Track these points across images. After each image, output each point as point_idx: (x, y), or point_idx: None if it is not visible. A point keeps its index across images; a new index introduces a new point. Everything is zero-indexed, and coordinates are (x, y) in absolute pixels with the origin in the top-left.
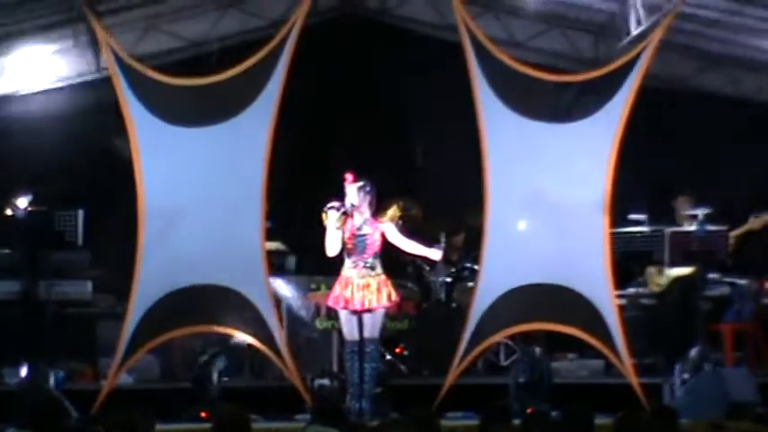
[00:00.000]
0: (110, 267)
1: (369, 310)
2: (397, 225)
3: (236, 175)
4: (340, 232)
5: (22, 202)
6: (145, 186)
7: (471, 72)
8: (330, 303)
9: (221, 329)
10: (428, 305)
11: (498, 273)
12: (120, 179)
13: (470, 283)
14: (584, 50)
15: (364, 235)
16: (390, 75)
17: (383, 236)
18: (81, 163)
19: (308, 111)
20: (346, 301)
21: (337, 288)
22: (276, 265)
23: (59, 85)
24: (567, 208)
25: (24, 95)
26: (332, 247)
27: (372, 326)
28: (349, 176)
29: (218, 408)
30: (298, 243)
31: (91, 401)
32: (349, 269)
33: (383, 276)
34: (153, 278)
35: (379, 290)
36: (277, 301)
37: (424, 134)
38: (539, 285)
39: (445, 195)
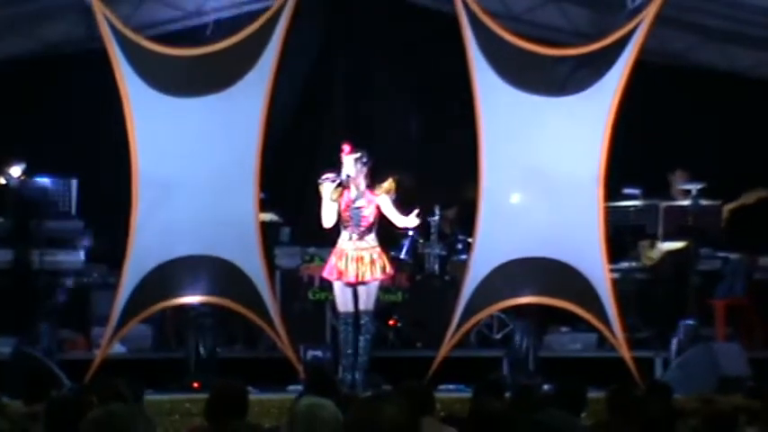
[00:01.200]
0: (103, 237)
1: (363, 283)
2: (391, 198)
3: (231, 145)
4: (336, 204)
5: (16, 171)
6: (139, 156)
7: (467, 45)
8: (325, 274)
9: (215, 300)
10: (421, 278)
11: (491, 246)
12: (114, 149)
13: (464, 256)
14: (581, 24)
15: (359, 207)
16: (387, 47)
17: (378, 208)
18: (75, 132)
19: (303, 81)
20: (340, 273)
21: (332, 259)
22: (270, 237)
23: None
24: (562, 181)
25: (15, 61)
26: (327, 219)
27: (367, 298)
28: (346, 147)
29: (214, 380)
30: (292, 214)
31: (84, 371)
32: (344, 241)
33: (378, 249)
34: (146, 248)
35: (373, 262)
36: (271, 272)
37: (420, 107)
38: (532, 259)
39: (440, 168)
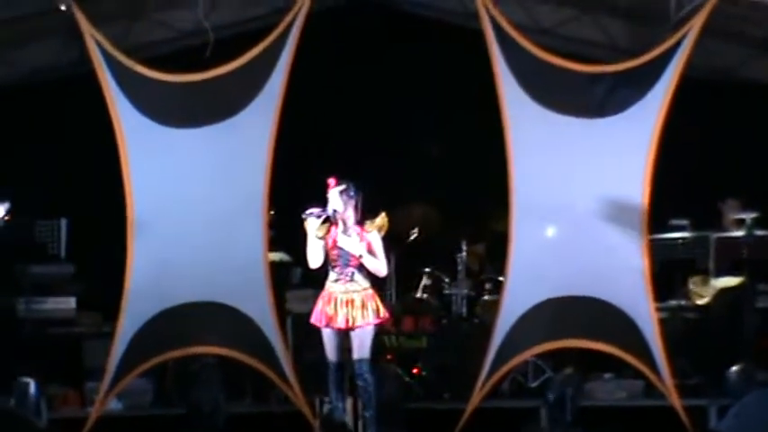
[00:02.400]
0: (96, 282)
1: (354, 329)
2: (381, 236)
3: (235, 179)
4: (322, 242)
5: None
6: (134, 193)
7: (494, 63)
8: (312, 320)
9: (220, 351)
10: (448, 321)
11: (525, 285)
12: (106, 185)
13: (494, 296)
14: (618, 38)
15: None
16: (403, 66)
17: (369, 246)
18: (64, 168)
19: (314, 107)
20: (329, 319)
21: (320, 303)
22: (280, 279)
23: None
24: (602, 212)
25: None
26: (314, 259)
27: (360, 345)
28: (331, 181)
29: None
30: (304, 253)
31: (77, 430)
32: (332, 283)
33: (370, 291)
34: (144, 294)
35: (364, 306)
36: (281, 317)
37: (442, 131)
38: (570, 298)
39: (465, 199)
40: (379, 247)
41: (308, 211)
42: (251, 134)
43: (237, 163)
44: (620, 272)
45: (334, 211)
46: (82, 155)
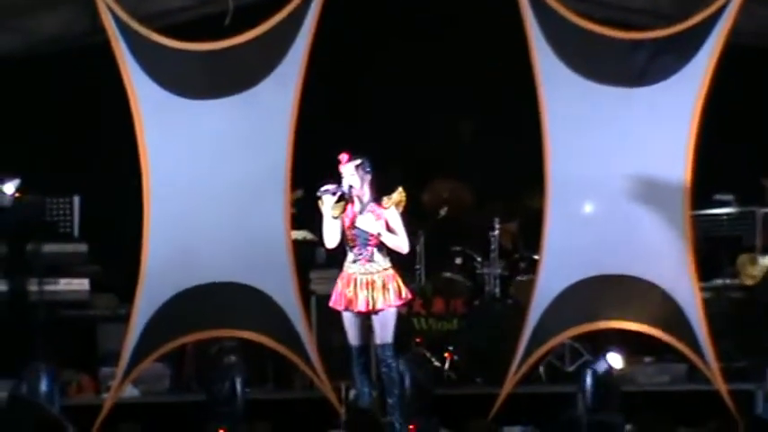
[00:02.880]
0: (111, 262)
1: (375, 312)
2: (399, 212)
3: (256, 154)
4: (339, 221)
5: (9, 188)
6: (150, 168)
7: (528, 29)
8: (332, 304)
9: (241, 334)
10: (480, 302)
11: (561, 264)
12: (121, 161)
13: (529, 276)
14: (660, 3)
15: None
16: (432, 35)
17: (387, 224)
18: (77, 142)
19: (339, 78)
20: (348, 302)
21: (338, 285)
22: (304, 258)
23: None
24: (642, 186)
25: (4, 59)
26: (330, 239)
27: (382, 329)
28: (344, 156)
29: (242, 427)
30: None
31: (92, 418)
32: (351, 264)
33: (391, 271)
34: (161, 275)
35: (385, 287)
36: (305, 299)
37: (473, 103)
38: (609, 277)
39: (497, 174)
40: (398, 223)
41: (322, 189)
42: (273, 105)
43: (258, 136)
44: (662, 249)
45: (350, 187)
46: (95, 128)
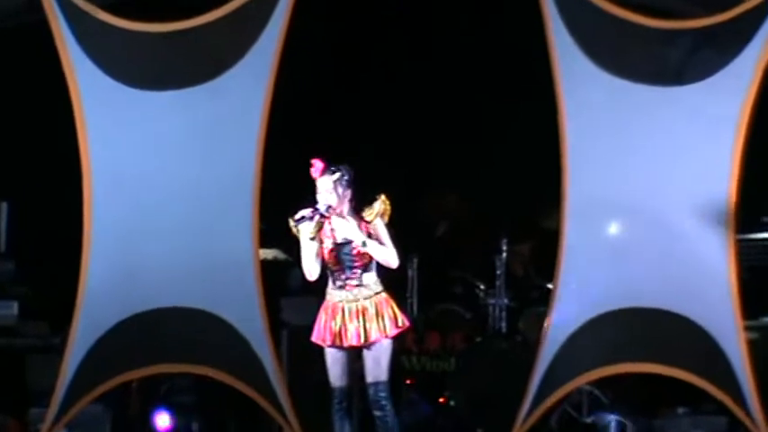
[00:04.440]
0: (43, 283)
1: (368, 345)
2: (384, 222)
3: (220, 157)
4: (316, 243)
5: None
6: (92, 172)
7: (545, 15)
8: (314, 339)
9: (196, 369)
10: (483, 338)
11: (580, 294)
12: (58, 162)
13: (542, 308)
14: None
15: (349, 243)
16: (431, 24)
17: (373, 236)
18: (4, 139)
19: (321, 70)
20: (334, 336)
21: (322, 317)
22: (275, 282)
23: None
24: (677, 204)
25: None
26: (311, 268)
27: (376, 365)
28: (317, 165)
29: None
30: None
31: None
32: (335, 291)
33: (384, 295)
34: (103, 298)
35: (379, 314)
36: (275, 330)
37: (478, 106)
38: (636, 311)
39: (507, 188)
40: (384, 233)
41: (297, 216)
42: (240, 100)
43: (222, 136)
44: (700, 280)
45: (328, 207)
46: (28, 123)
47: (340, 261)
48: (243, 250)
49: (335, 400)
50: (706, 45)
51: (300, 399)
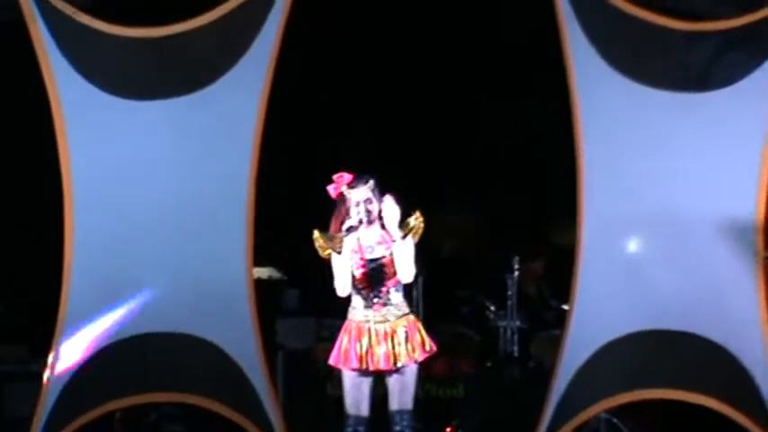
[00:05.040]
0: (20, 302)
1: (396, 369)
2: (418, 239)
3: (211, 169)
4: (345, 258)
5: None
6: (73, 185)
7: (560, 16)
8: (333, 361)
9: (186, 398)
10: (493, 363)
11: (597, 315)
12: (38, 173)
13: (556, 331)
14: None
15: (379, 259)
16: (435, 22)
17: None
18: None
19: (316, 76)
20: (360, 359)
21: (344, 340)
22: (269, 303)
23: None
24: (700, 220)
25: None
26: (346, 283)
27: (403, 391)
28: (345, 177)
29: None
30: (300, 269)
31: None
32: (361, 311)
33: (412, 317)
34: (86, 320)
35: (410, 338)
36: (270, 355)
37: (486, 111)
38: (658, 334)
39: (518, 201)
40: (411, 253)
41: (346, 226)
42: (233, 109)
43: (214, 147)
44: (726, 300)
45: (370, 219)
46: (4, 132)
47: (369, 278)
48: (235, 269)
49: (349, 430)
50: (732, 48)
51: (297, 428)
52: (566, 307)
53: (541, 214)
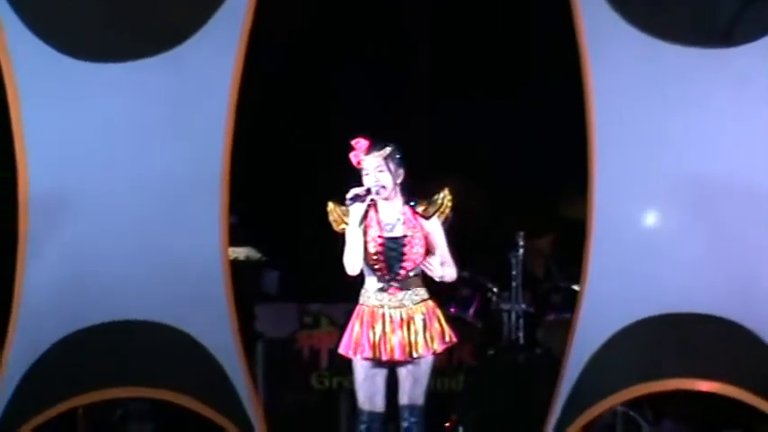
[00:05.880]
0: None
1: (410, 361)
2: (444, 225)
3: (181, 140)
4: (361, 234)
5: None
6: (28, 159)
7: None
8: (343, 350)
9: (154, 393)
10: (496, 351)
11: (611, 297)
12: None
13: (565, 315)
14: None
15: (400, 238)
16: None
17: (427, 239)
18: None
19: (300, 32)
20: (373, 347)
21: (355, 326)
22: (247, 286)
23: None
24: (726, 189)
25: None
26: (356, 261)
27: (415, 385)
28: (362, 142)
29: None
30: (281, 249)
31: None
32: (375, 294)
33: (431, 303)
34: (43, 311)
35: (428, 326)
36: (248, 344)
37: (489, 75)
38: (678, 318)
39: (522, 170)
40: (442, 240)
41: (350, 195)
42: (205, 71)
43: (185, 113)
44: (758, 280)
45: (379, 188)
46: None
47: (386, 257)
48: (208, 249)
49: (362, 427)
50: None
51: (279, 426)
52: (576, 288)
53: (548, 184)
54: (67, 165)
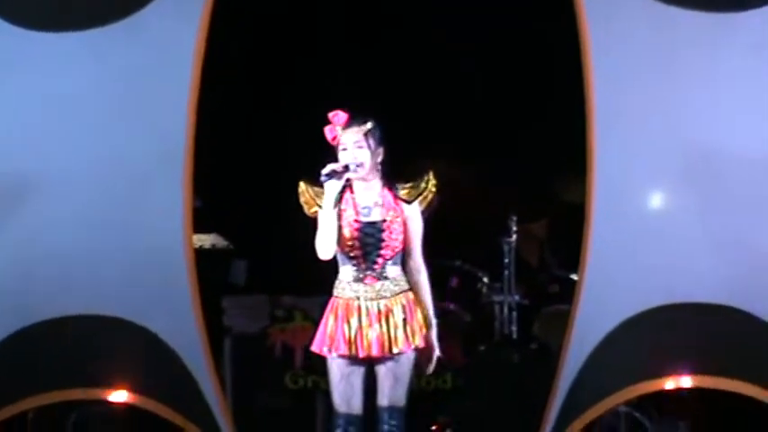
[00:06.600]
0: None
1: (389, 357)
2: (429, 209)
3: (140, 115)
4: (335, 215)
5: None
6: None
7: None
8: (317, 347)
9: (113, 397)
10: (487, 347)
11: (612, 286)
12: None
13: (563, 306)
14: None
15: (378, 223)
16: None
17: (405, 224)
18: None
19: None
20: (349, 343)
21: (329, 320)
22: (214, 277)
23: None
24: (738, 165)
25: None
26: (329, 245)
27: (395, 384)
28: (340, 115)
29: None
30: (250, 236)
31: None
32: (351, 284)
33: (411, 294)
34: None
35: (408, 320)
36: (215, 340)
37: (481, 47)
38: (685, 308)
39: (516, 152)
40: (419, 231)
41: (326, 170)
42: (166, 41)
43: (143, 89)
44: None
45: (358, 166)
46: None
47: (362, 244)
48: (170, 236)
49: (338, 430)
50: None
51: (248, 430)
52: (574, 277)
53: (543, 164)
54: (18, 144)
